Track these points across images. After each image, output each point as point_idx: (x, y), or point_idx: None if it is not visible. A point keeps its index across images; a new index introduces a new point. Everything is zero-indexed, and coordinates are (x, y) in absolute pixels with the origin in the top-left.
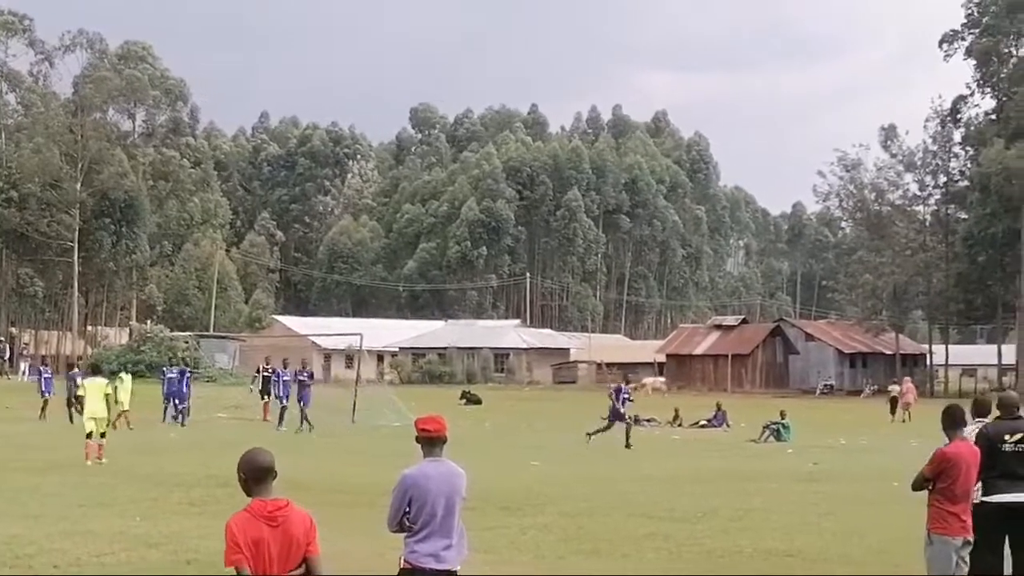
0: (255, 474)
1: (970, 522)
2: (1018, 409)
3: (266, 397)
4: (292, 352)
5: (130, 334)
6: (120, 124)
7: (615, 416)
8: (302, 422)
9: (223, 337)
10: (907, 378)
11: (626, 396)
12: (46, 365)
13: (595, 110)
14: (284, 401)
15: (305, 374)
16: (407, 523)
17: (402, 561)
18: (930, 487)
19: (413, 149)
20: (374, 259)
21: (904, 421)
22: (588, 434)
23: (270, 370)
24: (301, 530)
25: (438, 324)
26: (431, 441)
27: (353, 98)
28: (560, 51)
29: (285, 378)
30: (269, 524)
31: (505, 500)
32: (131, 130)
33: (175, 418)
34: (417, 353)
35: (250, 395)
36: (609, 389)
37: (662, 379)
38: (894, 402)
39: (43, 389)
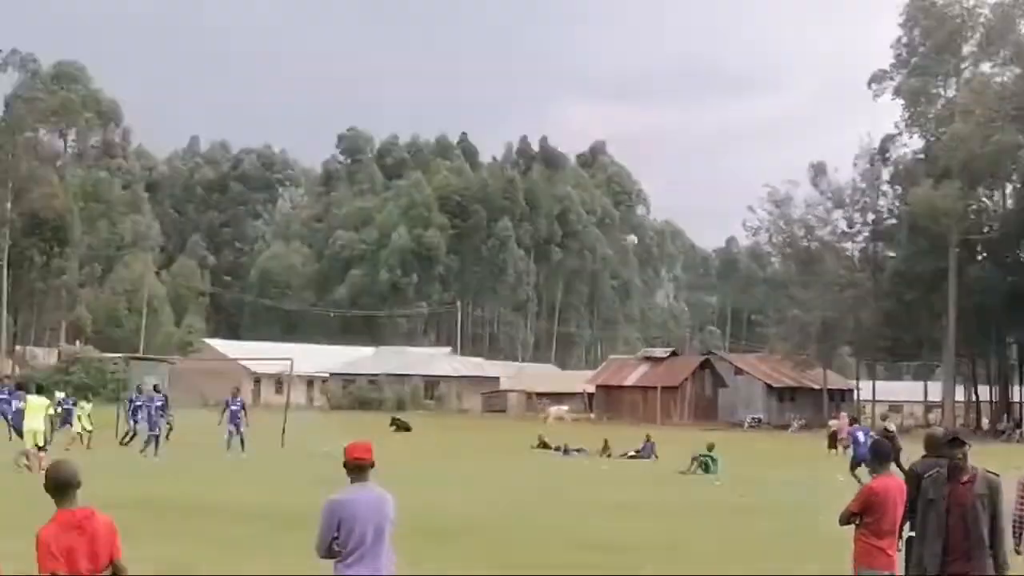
0: (59, 486)
1: (896, 557)
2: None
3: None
4: (224, 377)
5: (59, 355)
6: (52, 144)
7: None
8: (229, 445)
9: (153, 360)
10: (843, 413)
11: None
12: None
13: (525, 140)
14: (156, 430)
15: (236, 402)
16: (336, 548)
17: None
18: (857, 522)
19: (343, 175)
20: (305, 284)
21: (838, 454)
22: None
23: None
24: (106, 535)
25: (369, 351)
26: (359, 467)
27: (282, 122)
28: (488, 80)
29: (233, 408)
30: (78, 532)
31: (434, 527)
32: (62, 150)
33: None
34: (347, 379)
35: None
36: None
37: (565, 408)
38: (833, 436)
39: None
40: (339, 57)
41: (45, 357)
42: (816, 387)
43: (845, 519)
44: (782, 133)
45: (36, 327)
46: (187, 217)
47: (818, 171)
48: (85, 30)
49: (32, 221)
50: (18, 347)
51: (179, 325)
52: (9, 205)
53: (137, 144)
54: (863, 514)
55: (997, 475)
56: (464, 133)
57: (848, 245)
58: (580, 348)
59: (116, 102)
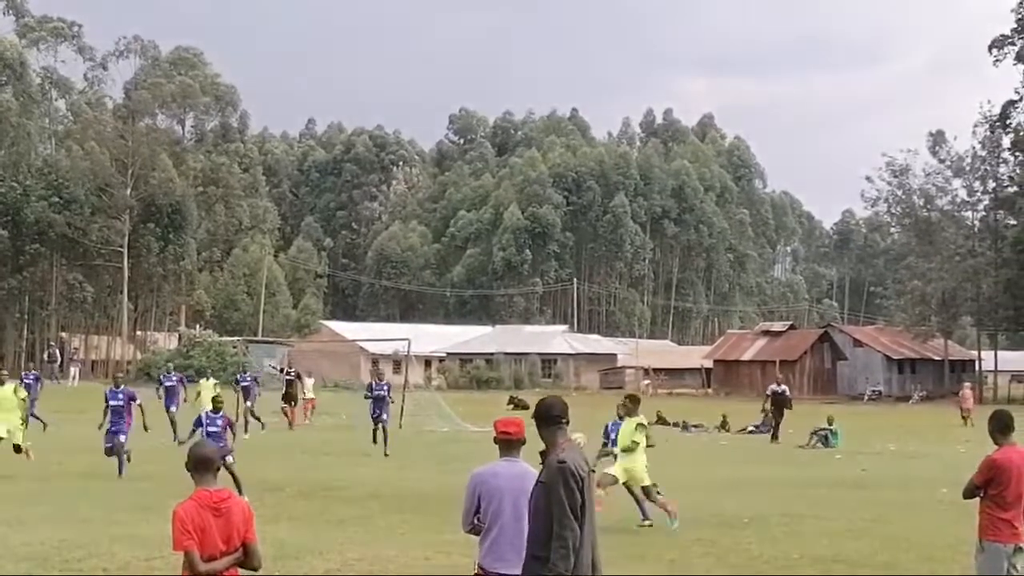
0: (199, 465)
1: (1022, 528)
2: None
3: (292, 403)
4: (340, 357)
5: (179, 339)
6: (171, 130)
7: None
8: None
9: (272, 342)
10: (966, 384)
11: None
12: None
13: (651, 113)
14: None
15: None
16: (477, 522)
17: (476, 566)
18: (981, 494)
19: (457, 155)
20: (423, 265)
21: (964, 426)
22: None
23: (293, 373)
24: (241, 519)
25: (485, 329)
26: (510, 443)
27: (393, 103)
28: (598, 55)
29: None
30: (214, 514)
31: None
32: (181, 136)
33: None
34: (464, 358)
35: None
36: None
37: (646, 381)
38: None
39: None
40: (447, 39)
41: (165, 341)
42: (937, 358)
43: (969, 492)
44: (900, 102)
45: (156, 312)
46: (303, 200)
47: (937, 140)
48: (202, 16)
49: (151, 207)
50: (139, 332)
51: (297, 307)
52: (129, 191)
53: (256, 128)
54: (987, 486)
55: (563, 462)
56: (574, 109)
57: (968, 214)
58: (697, 323)
59: (233, 87)
